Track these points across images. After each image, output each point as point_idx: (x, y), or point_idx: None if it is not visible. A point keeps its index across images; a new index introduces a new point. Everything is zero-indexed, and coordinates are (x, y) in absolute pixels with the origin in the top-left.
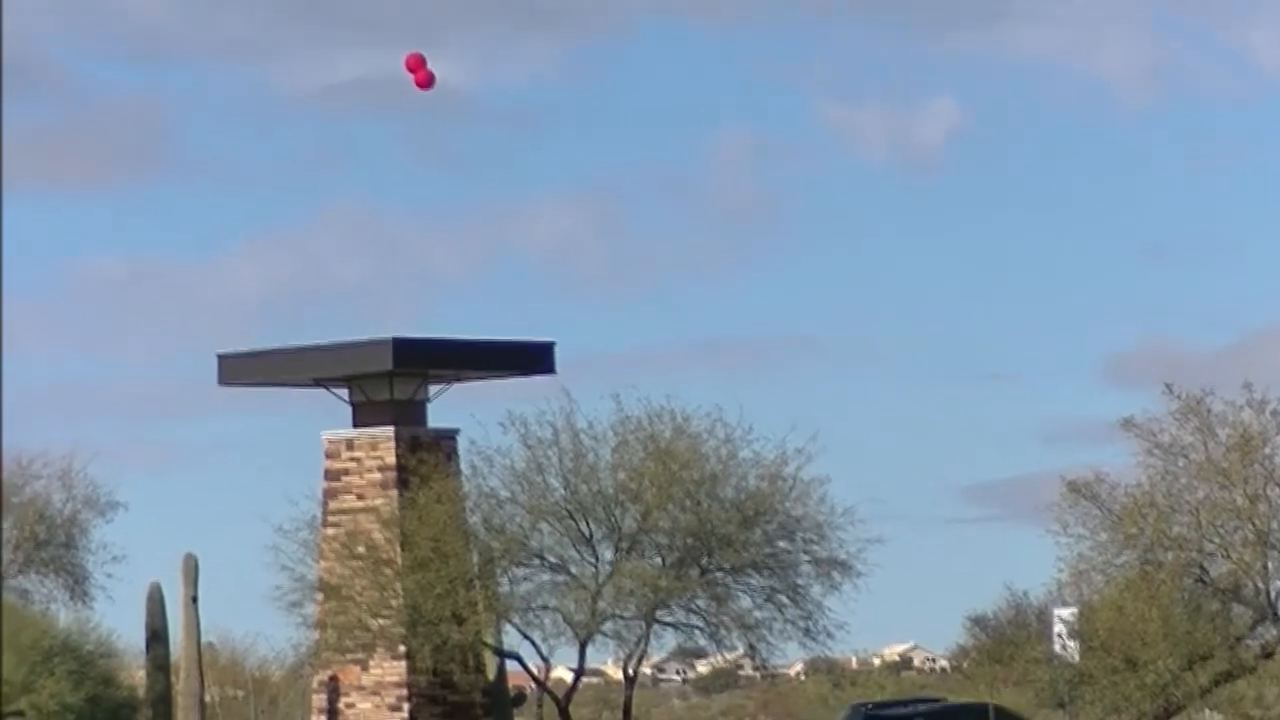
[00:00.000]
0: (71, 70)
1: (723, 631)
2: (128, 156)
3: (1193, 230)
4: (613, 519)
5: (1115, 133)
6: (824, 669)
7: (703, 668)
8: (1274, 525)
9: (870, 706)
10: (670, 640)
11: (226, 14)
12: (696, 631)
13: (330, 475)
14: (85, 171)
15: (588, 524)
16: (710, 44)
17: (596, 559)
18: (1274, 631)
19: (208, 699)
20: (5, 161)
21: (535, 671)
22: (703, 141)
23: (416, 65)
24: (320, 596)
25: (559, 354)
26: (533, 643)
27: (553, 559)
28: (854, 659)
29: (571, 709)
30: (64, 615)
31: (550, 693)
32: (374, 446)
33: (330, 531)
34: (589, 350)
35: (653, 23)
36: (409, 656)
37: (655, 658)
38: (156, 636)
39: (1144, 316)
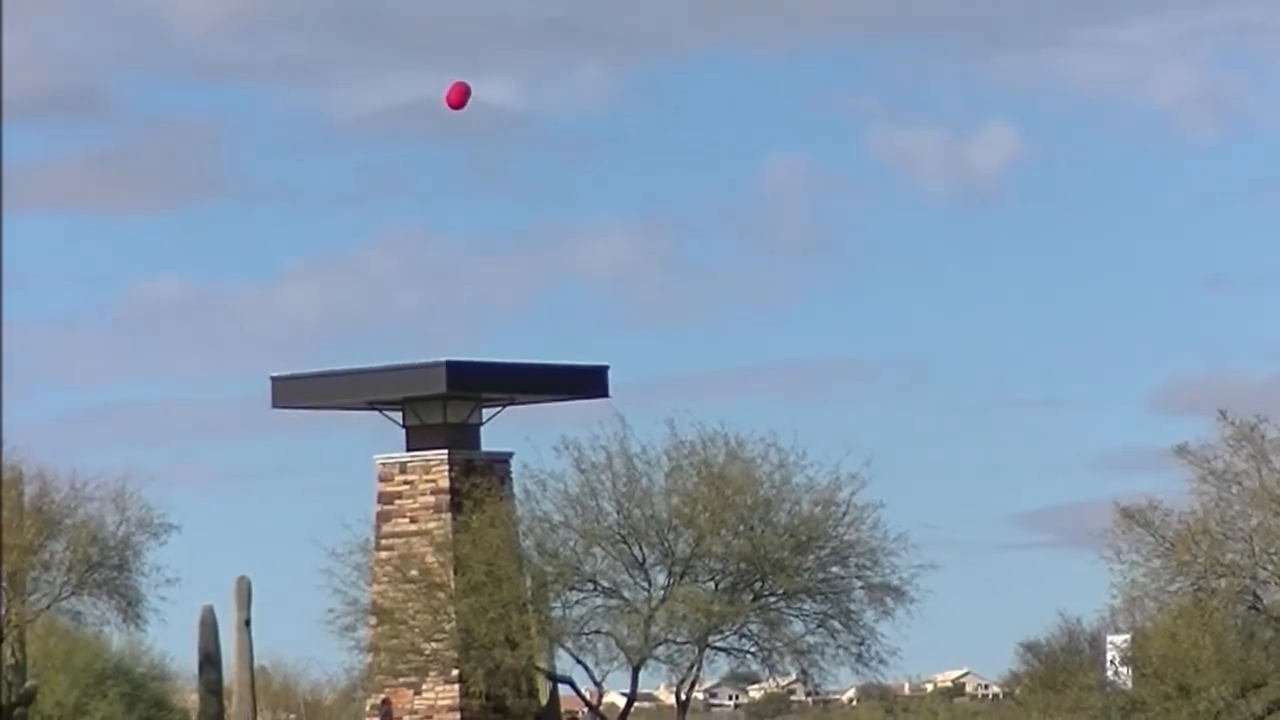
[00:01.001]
0: (130, 95)
1: (775, 657)
2: (185, 180)
3: (1251, 261)
4: (666, 544)
5: (1173, 162)
6: (876, 695)
7: (755, 693)
8: None
9: None
10: (723, 665)
11: (283, 39)
12: (749, 656)
13: (383, 499)
14: (143, 195)
15: (641, 549)
16: (764, 71)
17: (649, 584)
18: None
19: None
20: (67, 185)
21: (588, 696)
22: (756, 168)
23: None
24: (373, 620)
25: (613, 378)
26: (585, 667)
27: (606, 583)
28: (906, 685)
29: None
30: (117, 638)
31: (603, 717)
32: (427, 470)
33: (383, 555)
34: (643, 375)
35: (707, 50)
36: (462, 680)
37: (708, 683)
38: (209, 660)
39: (1201, 345)
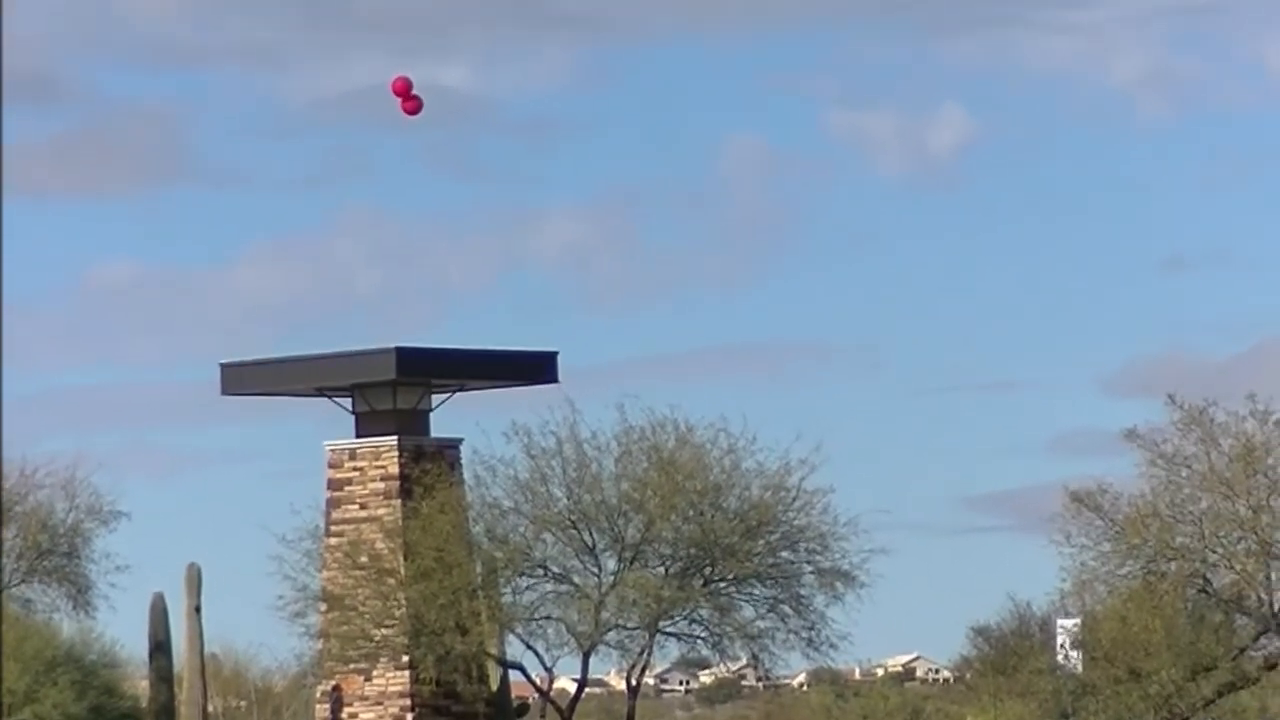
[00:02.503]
0: (87, 78)
1: (726, 642)
2: (143, 163)
3: (1208, 242)
4: (616, 529)
5: (1129, 144)
6: (827, 679)
7: (706, 678)
8: (1277, 536)
9: None
10: (673, 650)
11: (240, 21)
12: (700, 642)
13: (333, 485)
14: (100, 178)
15: (591, 534)
16: (721, 53)
17: (600, 569)
18: (1277, 643)
19: (211, 709)
20: (26, 169)
21: (538, 682)
22: (713, 151)
23: (404, 90)
24: (323, 606)
25: (565, 363)
26: (536, 653)
27: (556, 569)
28: (857, 670)
29: (574, 719)
30: (67, 625)
31: (553, 703)
32: (377, 456)
33: (333, 541)
34: (602, 357)
35: (664, 32)
36: (412, 667)
37: (658, 668)
38: (160, 647)
39: (1157, 327)
